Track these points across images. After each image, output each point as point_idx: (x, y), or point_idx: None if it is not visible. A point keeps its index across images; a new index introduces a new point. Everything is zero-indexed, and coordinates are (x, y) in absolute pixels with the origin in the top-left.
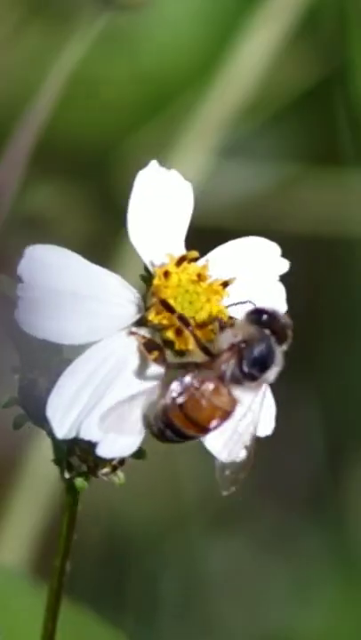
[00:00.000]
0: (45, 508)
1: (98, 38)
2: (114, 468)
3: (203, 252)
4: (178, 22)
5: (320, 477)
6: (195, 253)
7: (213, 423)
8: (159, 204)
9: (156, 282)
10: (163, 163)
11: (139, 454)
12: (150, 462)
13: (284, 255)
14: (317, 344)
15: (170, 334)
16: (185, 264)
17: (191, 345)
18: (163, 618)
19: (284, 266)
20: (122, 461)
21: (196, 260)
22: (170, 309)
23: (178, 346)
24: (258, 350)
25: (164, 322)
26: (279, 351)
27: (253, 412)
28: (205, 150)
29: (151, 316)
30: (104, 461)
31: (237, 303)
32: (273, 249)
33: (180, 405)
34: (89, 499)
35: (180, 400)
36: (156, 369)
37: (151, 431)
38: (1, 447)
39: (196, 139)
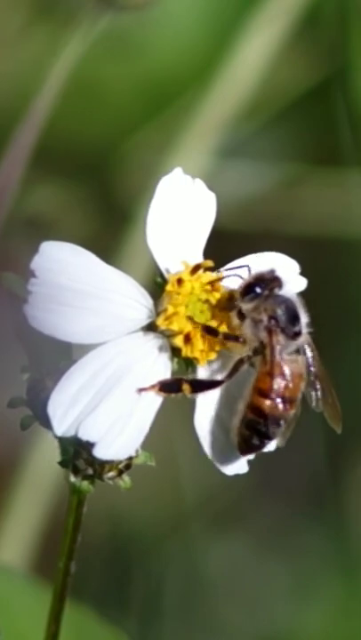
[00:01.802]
0: (45, 507)
1: (99, 39)
2: (120, 472)
3: (203, 253)
4: (179, 22)
5: (321, 477)
6: (209, 263)
7: (301, 391)
8: (181, 211)
9: (168, 288)
10: (163, 163)
11: (146, 458)
12: (151, 465)
13: (283, 255)
14: (318, 344)
15: (178, 341)
16: (200, 273)
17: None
18: (165, 618)
19: (302, 284)
20: (128, 465)
21: (211, 269)
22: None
23: (185, 353)
24: (284, 312)
25: (173, 328)
26: (291, 295)
27: (311, 353)
28: (206, 150)
29: (160, 322)
30: (110, 465)
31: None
32: (291, 266)
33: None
34: (92, 500)
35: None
36: (159, 375)
37: (251, 443)
38: (1, 447)
39: (196, 139)
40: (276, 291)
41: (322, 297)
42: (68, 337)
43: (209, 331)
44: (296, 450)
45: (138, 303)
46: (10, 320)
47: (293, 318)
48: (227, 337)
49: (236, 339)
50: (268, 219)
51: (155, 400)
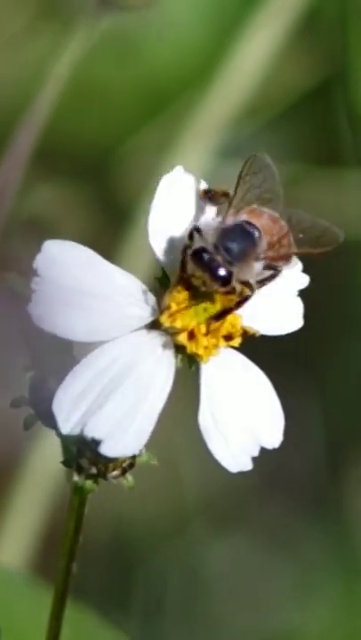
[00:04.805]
0: (46, 508)
1: (99, 39)
2: (123, 471)
3: None
4: (179, 23)
5: (321, 477)
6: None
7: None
8: (182, 209)
9: (171, 285)
10: (163, 163)
11: (149, 458)
12: (154, 464)
13: None
14: (318, 345)
15: (182, 338)
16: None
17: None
18: (167, 618)
19: (304, 281)
20: (132, 464)
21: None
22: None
23: (189, 350)
24: (234, 241)
25: (177, 325)
26: (228, 224)
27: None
28: (206, 151)
29: (163, 319)
30: (115, 463)
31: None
32: (295, 263)
33: None
34: (93, 501)
35: None
36: (166, 372)
37: None
38: (1, 447)
39: (196, 139)
40: (230, 240)
41: (323, 297)
42: (72, 335)
43: (218, 317)
44: (296, 450)
45: (141, 301)
46: (12, 320)
47: (239, 235)
48: (239, 304)
49: (246, 299)
50: None
51: (161, 395)
